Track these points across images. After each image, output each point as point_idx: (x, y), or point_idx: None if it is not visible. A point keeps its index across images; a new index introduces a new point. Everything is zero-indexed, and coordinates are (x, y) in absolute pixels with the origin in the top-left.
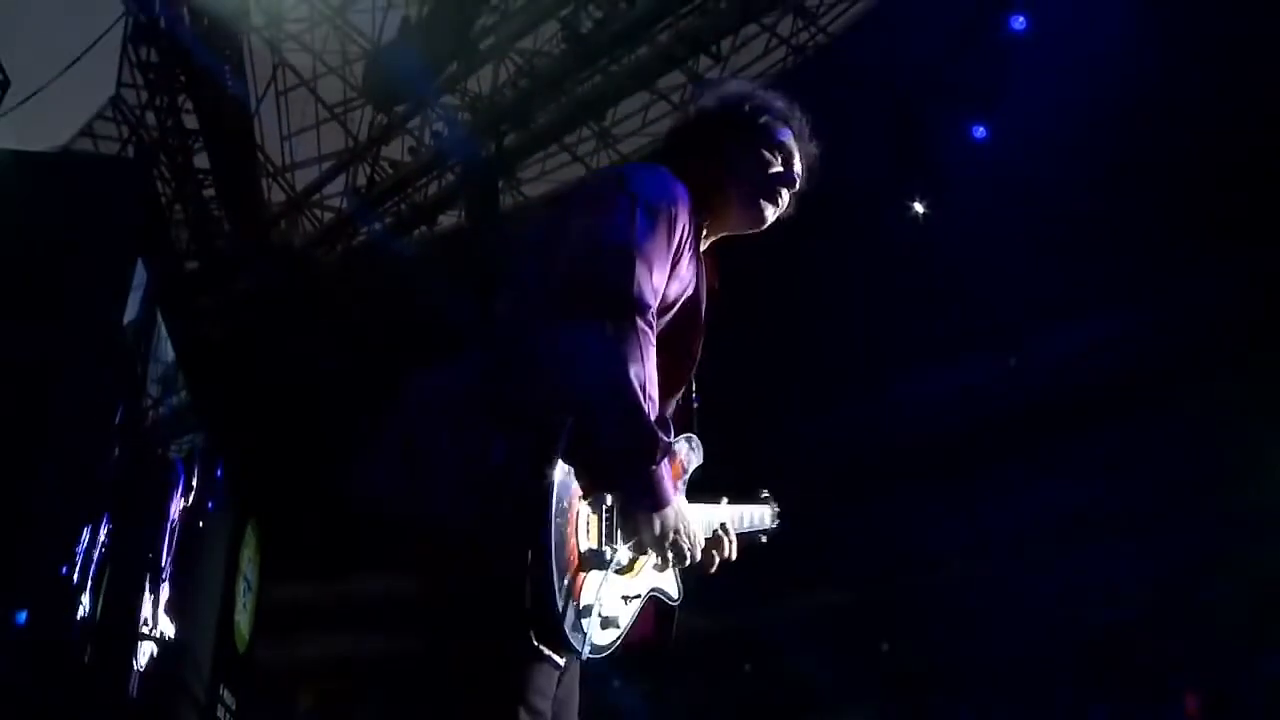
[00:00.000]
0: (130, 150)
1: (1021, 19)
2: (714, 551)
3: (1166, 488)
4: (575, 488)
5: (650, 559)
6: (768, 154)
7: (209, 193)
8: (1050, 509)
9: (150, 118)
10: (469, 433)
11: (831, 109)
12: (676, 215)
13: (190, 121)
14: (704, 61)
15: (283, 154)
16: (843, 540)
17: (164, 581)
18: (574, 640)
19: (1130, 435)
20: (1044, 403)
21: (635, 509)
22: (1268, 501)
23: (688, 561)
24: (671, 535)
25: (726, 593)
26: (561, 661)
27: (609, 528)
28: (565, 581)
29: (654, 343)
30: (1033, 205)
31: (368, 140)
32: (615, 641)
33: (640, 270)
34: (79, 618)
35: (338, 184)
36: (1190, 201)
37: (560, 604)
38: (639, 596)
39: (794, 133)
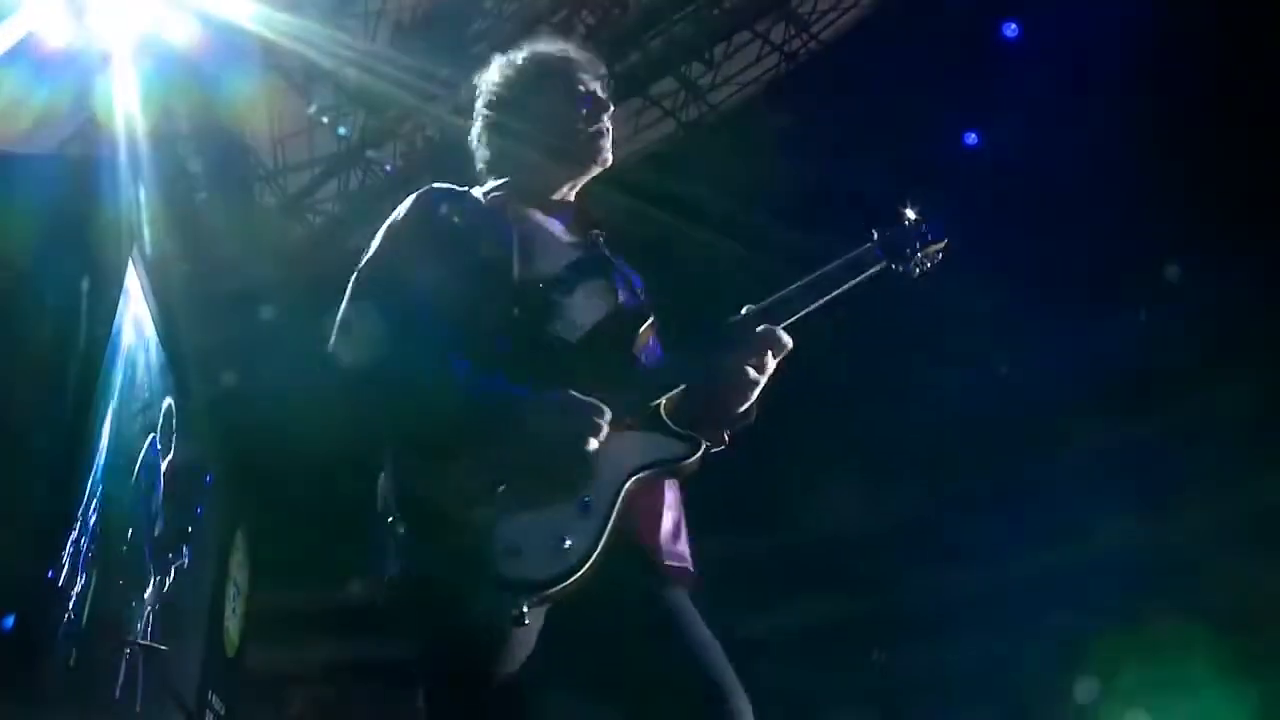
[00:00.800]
0: (122, 154)
1: (1014, 26)
2: (753, 363)
3: (1161, 492)
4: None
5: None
6: (567, 98)
7: (201, 196)
8: (1045, 515)
9: (144, 121)
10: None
11: (824, 116)
12: (408, 224)
13: (183, 125)
14: (696, 68)
15: (275, 158)
16: (836, 546)
17: (152, 586)
18: (505, 593)
19: (1128, 440)
20: (1039, 408)
21: (487, 432)
22: (1260, 507)
23: (586, 444)
24: (547, 433)
25: (716, 597)
26: (526, 611)
27: (472, 469)
28: (457, 547)
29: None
30: (1025, 212)
31: (360, 144)
32: (586, 558)
33: (365, 279)
34: (65, 622)
35: (330, 188)
36: (1187, 209)
37: (458, 572)
38: (592, 499)
39: (577, 62)
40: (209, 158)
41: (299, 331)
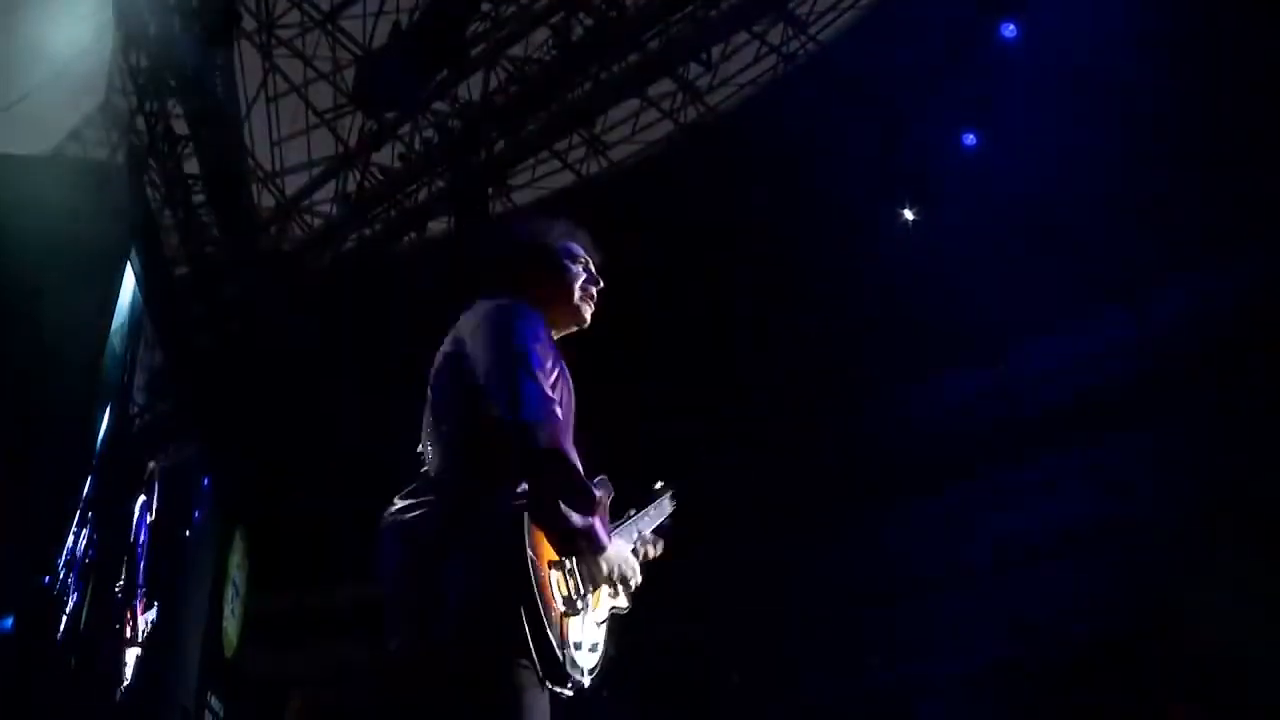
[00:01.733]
0: (120, 155)
1: (1012, 27)
2: (646, 554)
3: (1148, 500)
4: (544, 570)
5: (606, 590)
6: (574, 268)
7: (199, 198)
8: (1037, 521)
9: (140, 122)
10: (460, 573)
11: (822, 116)
12: (542, 330)
13: (180, 127)
14: (694, 69)
15: (273, 160)
16: (827, 555)
17: (150, 588)
18: (574, 673)
19: (1115, 448)
20: (1030, 415)
21: (591, 560)
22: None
23: (635, 584)
24: (618, 569)
25: (708, 601)
26: (569, 691)
27: (573, 580)
28: (557, 636)
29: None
30: (1022, 212)
31: (358, 146)
32: (600, 659)
33: (538, 376)
34: (63, 626)
35: (328, 190)
36: (1182, 211)
37: (559, 654)
38: (606, 620)
39: (583, 245)
40: (206, 159)
41: (298, 332)
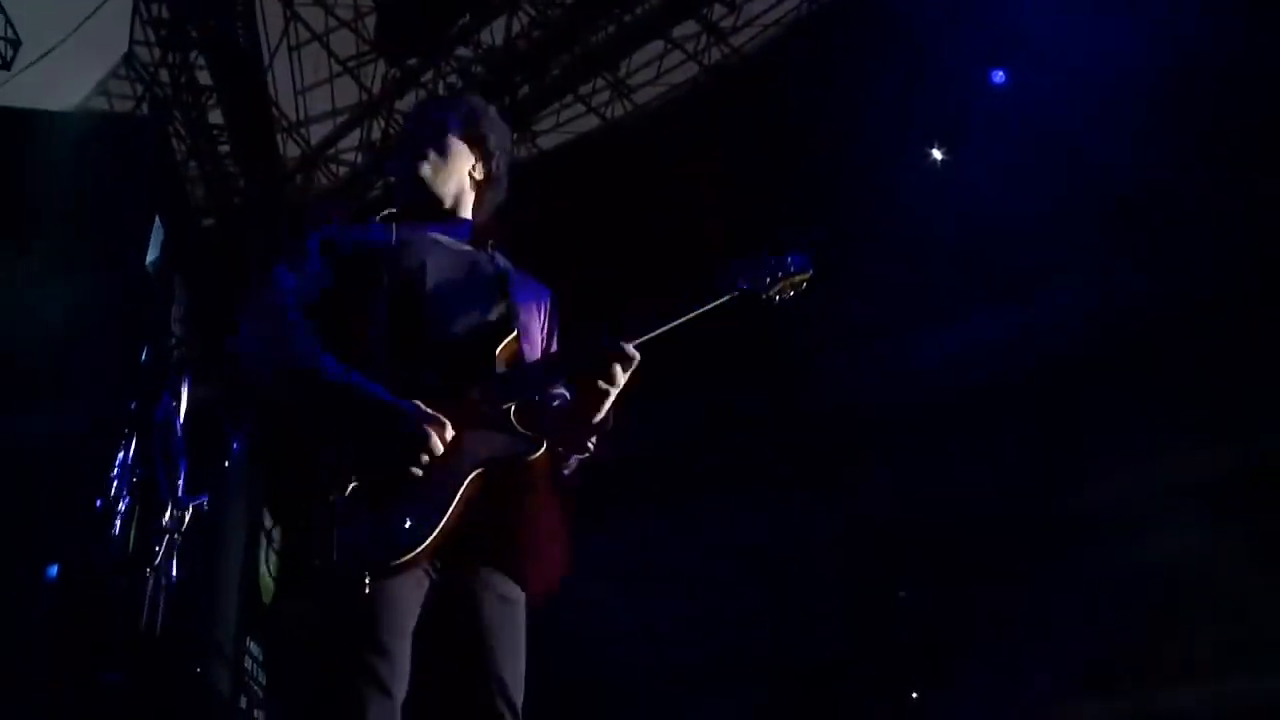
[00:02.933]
0: (144, 108)
1: None
2: (604, 380)
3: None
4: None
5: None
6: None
7: (224, 148)
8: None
9: (164, 74)
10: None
11: (848, 54)
12: (301, 246)
13: (204, 78)
14: (719, 9)
15: (297, 109)
16: (846, 499)
17: (186, 527)
18: (357, 564)
19: (1137, 400)
20: (1050, 364)
21: (342, 427)
22: None
23: (422, 449)
24: (390, 436)
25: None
26: (396, 572)
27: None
28: (328, 520)
29: (290, 307)
30: (1050, 152)
31: (381, 94)
32: (422, 539)
33: (259, 291)
34: (110, 555)
35: (352, 138)
36: (1218, 152)
37: (327, 542)
38: (434, 489)
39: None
40: (230, 109)
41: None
